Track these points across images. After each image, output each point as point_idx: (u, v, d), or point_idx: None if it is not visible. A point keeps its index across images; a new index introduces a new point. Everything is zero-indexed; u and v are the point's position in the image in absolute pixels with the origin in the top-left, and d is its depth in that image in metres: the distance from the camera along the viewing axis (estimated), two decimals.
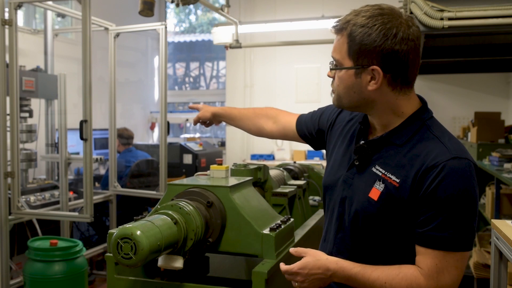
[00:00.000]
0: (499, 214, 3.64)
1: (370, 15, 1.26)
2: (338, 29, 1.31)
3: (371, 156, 1.36)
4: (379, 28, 1.24)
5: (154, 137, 7.30)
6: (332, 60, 1.35)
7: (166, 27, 4.16)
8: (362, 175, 1.38)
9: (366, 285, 1.29)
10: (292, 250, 1.41)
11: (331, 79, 1.38)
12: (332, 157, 1.57)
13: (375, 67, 1.26)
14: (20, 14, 4.90)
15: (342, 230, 1.43)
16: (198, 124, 2.07)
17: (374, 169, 1.34)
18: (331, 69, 1.36)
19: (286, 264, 1.39)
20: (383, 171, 1.32)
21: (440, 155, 1.24)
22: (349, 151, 1.46)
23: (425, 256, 1.25)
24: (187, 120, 7.21)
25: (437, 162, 1.23)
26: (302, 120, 1.76)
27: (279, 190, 2.42)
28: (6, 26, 3.28)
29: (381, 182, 1.31)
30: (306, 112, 1.79)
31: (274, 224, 1.70)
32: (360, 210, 1.35)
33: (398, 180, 1.28)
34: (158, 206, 1.65)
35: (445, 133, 1.32)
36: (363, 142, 1.40)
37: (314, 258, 1.35)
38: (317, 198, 2.77)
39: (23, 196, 3.57)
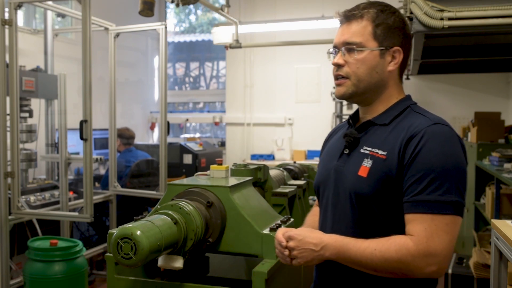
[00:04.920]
0: (499, 214, 3.63)
1: (384, 4, 1.41)
2: (357, 16, 1.39)
3: (359, 139, 1.41)
4: (398, 14, 1.40)
5: (154, 137, 7.30)
6: (346, 45, 1.38)
7: (166, 27, 4.16)
8: (351, 159, 1.41)
9: (357, 255, 1.26)
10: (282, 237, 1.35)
11: (336, 67, 1.40)
12: (321, 160, 1.59)
13: (397, 48, 1.38)
14: (20, 14, 4.90)
15: (339, 220, 1.41)
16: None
17: (362, 150, 1.38)
18: (349, 51, 1.38)
19: (285, 267, 1.38)
20: (370, 149, 1.36)
21: (422, 124, 1.31)
22: (338, 145, 1.50)
23: (414, 223, 1.25)
24: (187, 120, 7.21)
25: (419, 129, 1.29)
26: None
27: (279, 190, 2.42)
28: (6, 26, 3.28)
29: (369, 159, 1.35)
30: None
31: (274, 224, 1.70)
32: (352, 190, 1.36)
33: (385, 153, 1.32)
34: (158, 206, 1.65)
35: (428, 112, 1.39)
36: (351, 128, 1.47)
37: (310, 229, 1.36)
38: None
39: (23, 196, 3.57)
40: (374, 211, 1.33)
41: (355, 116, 1.51)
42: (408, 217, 1.26)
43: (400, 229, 1.29)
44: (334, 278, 1.43)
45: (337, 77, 1.41)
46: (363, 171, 1.34)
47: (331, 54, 1.46)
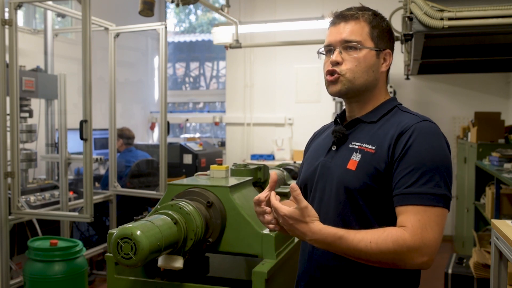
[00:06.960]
0: (499, 214, 3.63)
1: (374, 10, 1.47)
2: (355, 17, 1.43)
3: (347, 136, 1.44)
4: (386, 20, 1.48)
5: (154, 137, 7.30)
6: (346, 43, 1.41)
7: (166, 27, 4.16)
8: (339, 154, 1.42)
9: (350, 248, 1.25)
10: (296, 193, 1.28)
11: (332, 64, 1.43)
12: (306, 159, 1.58)
13: (388, 51, 1.46)
14: (20, 14, 4.90)
15: (325, 214, 1.39)
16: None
17: (350, 145, 1.41)
18: (347, 49, 1.41)
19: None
20: (359, 144, 1.39)
21: (411, 121, 1.35)
22: (324, 143, 1.51)
23: (407, 214, 1.26)
24: (187, 120, 7.21)
25: (408, 126, 1.33)
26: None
27: (279, 190, 2.42)
28: (6, 26, 3.28)
29: (358, 153, 1.38)
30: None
31: None
32: (340, 184, 1.37)
33: (374, 147, 1.35)
34: (158, 206, 1.65)
35: (414, 111, 1.44)
36: (339, 126, 1.49)
37: (301, 216, 1.27)
38: None
39: (23, 196, 3.57)
40: (360, 206, 1.34)
41: (342, 116, 1.55)
42: (400, 209, 1.28)
43: (384, 224, 1.30)
44: (324, 273, 1.41)
45: (332, 73, 1.43)
46: (352, 165, 1.36)
47: (322, 54, 1.51)
